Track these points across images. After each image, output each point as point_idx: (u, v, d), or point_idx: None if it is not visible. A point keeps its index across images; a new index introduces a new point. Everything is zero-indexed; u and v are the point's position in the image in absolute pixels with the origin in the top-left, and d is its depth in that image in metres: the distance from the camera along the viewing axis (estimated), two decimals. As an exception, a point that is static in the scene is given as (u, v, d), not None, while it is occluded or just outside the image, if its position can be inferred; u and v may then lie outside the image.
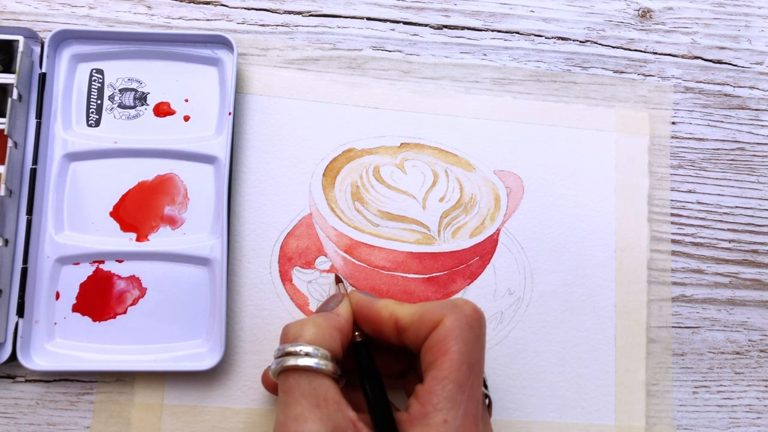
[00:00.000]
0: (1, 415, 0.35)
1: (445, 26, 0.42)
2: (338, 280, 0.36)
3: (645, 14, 0.43)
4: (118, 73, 0.38)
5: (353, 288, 0.37)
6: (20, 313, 0.34)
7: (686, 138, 0.42)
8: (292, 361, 0.28)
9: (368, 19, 0.41)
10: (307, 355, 0.28)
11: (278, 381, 0.29)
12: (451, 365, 0.27)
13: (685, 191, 0.41)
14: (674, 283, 0.40)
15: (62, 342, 0.35)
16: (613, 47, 0.42)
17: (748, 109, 0.43)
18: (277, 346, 0.30)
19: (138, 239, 0.36)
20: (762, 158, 0.42)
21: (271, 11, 0.41)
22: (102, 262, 0.36)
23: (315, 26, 0.41)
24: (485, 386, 0.32)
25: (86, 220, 0.36)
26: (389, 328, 0.30)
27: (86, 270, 0.36)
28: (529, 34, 0.42)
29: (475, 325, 0.29)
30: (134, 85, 0.38)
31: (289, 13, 0.41)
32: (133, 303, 0.36)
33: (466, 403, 0.27)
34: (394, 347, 0.32)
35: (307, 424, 0.26)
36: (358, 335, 0.32)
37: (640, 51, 0.43)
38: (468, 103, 0.40)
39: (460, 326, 0.28)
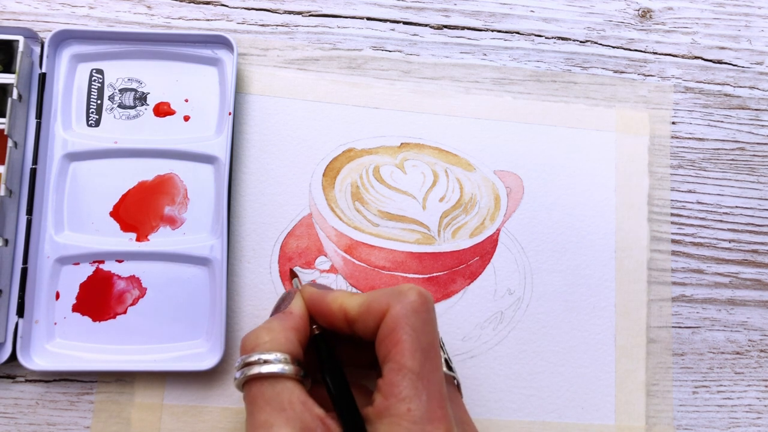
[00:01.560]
0: (1, 415, 0.35)
1: (445, 26, 0.42)
2: (293, 275, 0.36)
3: (645, 14, 0.43)
4: (118, 73, 0.38)
5: (313, 283, 0.37)
6: (20, 313, 0.34)
7: (686, 138, 0.42)
8: (253, 371, 0.28)
9: (368, 19, 0.41)
10: (265, 362, 0.28)
11: (243, 393, 0.29)
12: (404, 354, 0.27)
13: (685, 191, 0.41)
14: (674, 283, 0.40)
15: (62, 342, 0.35)
16: (613, 47, 0.42)
17: (748, 109, 0.43)
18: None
19: (138, 239, 0.36)
20: (762, 158, 0.42)
21: (271, 11, 0.41)
22: (102, 262, 0.36)
23: (315, 26, 0.41)
24: (450, 368, 0.32)
25: (86, 220, 0.36)
26: (340, 320, 0.30)
27: (86, 270, 0.36)
28: (529, 34, 0.42)
29: (422, 309, 0.29)
30: (134, 85, 0.38)
31: (289, 13, 0.41)
32: (133, 303, 0.36)
33: (427, 389, 0.27)
34: (356, 339, 0.32)
35: (273, 428, 0.26)
36: (315, 328, 0.31)
37: (640, 51, 0.43)
38: (468, 103, 0.40)
39: (406, 314, 0.28)
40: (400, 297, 0.29)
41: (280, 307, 0.32)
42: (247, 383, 0.28)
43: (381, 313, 0.29)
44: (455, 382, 0.32)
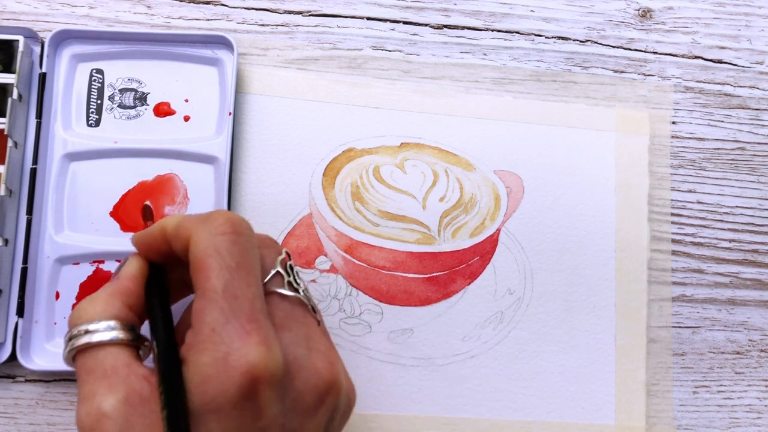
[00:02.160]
0: (1, 415, 0.35)
1: (445, 26, 0.42)
2: (146, 213, 0.33)
3: (645, 14, 0.43)
4: (118, 73, 0.38)
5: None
6: (20, 313, 0.34)
7: (686, 138, 0.42)
8: (76, 343, 0.26)
9: (368, 18, 0.41)
10: (87, 332, 0.26)
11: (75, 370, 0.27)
12: (208, 278, 0.25)
13: (685, 191, 0.41)
14: (674, 283, 0.40)
15: (62, 342, 0.35)
16: (613, 47, 0.42)
17: (749, 108, 0.43)
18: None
19: (138, 239, 0.36)
20: (762, 158, 0.42)
21: (271, 11, 0.41)
22: (102, 262, 0.36)
23: (315, 26, 0.41)
24: (296, 290, 0.28)
25: (86, 220, 0.36)
26: (162, 244, 0.28)
27: (86, 270, 0.36)
28: (529, 34, 0.42)
29: (228, 230, 0.26)
30: (134, 85, 0.38)
31: (289, 13, 0.41)
32: (133, 303, 0.36)
33: (232, 307, 0.25)
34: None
35: (96, 398, 0.24)
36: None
37: (641, 51, 0.43)
38: (468, 103, 0.40)
39: (209, 238, 0.26)
40: (205, 222, 0.27)
41: (113, 274, 0.30)
42: (74, 358, 0.26)
43: (186, 237, 0.27)
44: (308, 306, 0.29)
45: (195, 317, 0.25)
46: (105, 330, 0.26)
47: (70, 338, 0.26)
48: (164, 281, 0.29)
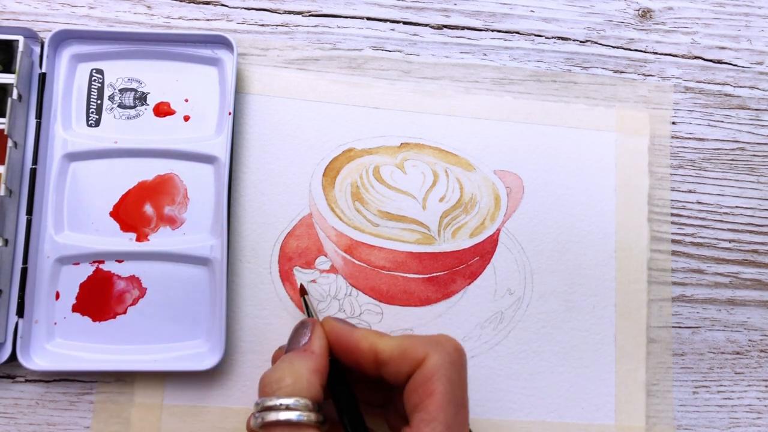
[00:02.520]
0: (1, 415, 0.35)
1: (445, 26, 0.42)
2: (303, 292, 0.35)
3: (645, 14, 0.43)
4: (118, 73, 0.38)
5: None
6: (20, 313, 0.34)
7: (686, 138, 0.42)
8: (272, 416, 0.27)
9: (368, 19, 0.41)
10: (287, 408, 0.27)
11: None
12: (437, 407, 0.27)
13: (685, 191, 0.41)
14: (674, 283, 0.40)
15: (62, 342, 0.35)
16: (613, 47, 0.42)
17: (749, 109, 0.43)
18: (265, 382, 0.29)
19: (138, 239, 0.36)
20: (762, 158, 0.42)
21: (271, 11, 0.41)
22: (102, 262, 0.36)
23: (315, 26, 0.41)
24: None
25: (86, 220, 0.36)
26: (368, 361, 0.30)
27: (86, 270, 0.36)
28: (529, 34, 0.42)
29: (458, 362, 0.29)
30: (134, 85, 0.38)
31: (289, 13, 0.41)
32: (133, 303, 0.36)
33: None
34: (370, 380, 0.32)
35: None
36: (331, 362, 0.31)
37: (640, 51, 0.43)
38: (468, 103, 0.40)
39: (443, 365, 0.28)
40: (438, 347, 0.29)
41: (296, 339, 0.31)
42: (265, 428, 0.27)
43: (416, 361, 0.28)
44: None
45: None
46: (303, 410, 0.27)
47: (267, 408, 0.27)
48: (348, 385, 0.31)
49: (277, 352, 0.33)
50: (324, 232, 0.38)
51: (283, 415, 0.27)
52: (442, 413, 0.27)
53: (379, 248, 0.38)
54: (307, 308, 0.34)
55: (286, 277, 0.37)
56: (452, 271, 0.38)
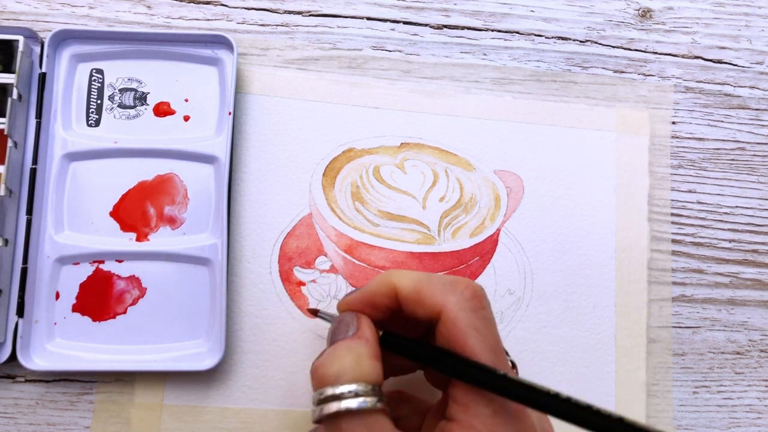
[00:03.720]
0: (1, 415, 0.35)
1: (445, 26, 0.42)
2: (314, 313, 0.34)
3: (645, 14, 0.43)
4: (118, 73, 0.38)
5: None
6: (20, 313, 0.34)
7: (686, 138, 0.42)
8: (343, 405, 0.25)
9: (368, 19, 0.41)
10: (356, 395, 0.25)
11: (325, 428, 0.26)
12: (475, 357, 0.26)
13: (685, 191, 0.41)
14: (674, 283, 0.40)
15: (62, 342, 0.35)
16: (613, 47, 0.42)
17: (749, 108, 0.43)
18: (313, 390, 0.27)
19: (138, 239, 0.36)
20: (762, 158, 0.42)
21: (271, 11, 0.41)
22: (102, 262, 0.36)
23: (315, 26, 0.41)
24: (506, 353, 0.30)
25: (86, 220, 0.36)
26: (393, 301, 0.28)
27: (86, 270, 0.36)
28: (529, 34, 0.42)
29: (479, 307, 0.27)
30: (134, 85, 0.38)
31: (289, 13, 0.41)
32: (133, 303, 0.36)
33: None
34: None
35: None
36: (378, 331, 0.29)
37: (641, 51, 0.43)
38: (468, 103, 0.40)
39: (465, 315, 0.27)
40: (453, 292, 0.27)
41: (341, 331, 0.29)
42: (331, 419, 0.26)
43: (434, 309, 0.27)
44: (515, 369, 0.31)
45: (463, 397, 0.26)
46: (373, 395, 0.25)
47: (330, 397, 0.25)
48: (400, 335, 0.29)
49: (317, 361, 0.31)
50: (324, 232, 0.38)
51: (352, 403, 0.25)
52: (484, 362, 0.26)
53: (379, 248, 0.38)
54: (326, 317, 0.33)
55: (286, 277, 0.37)
56: (452, 271, 0.38)
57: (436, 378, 0.31)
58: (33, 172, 0.36)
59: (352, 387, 0.25)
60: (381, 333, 0.29)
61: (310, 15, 0.41)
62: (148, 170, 0.37)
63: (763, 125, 0.43)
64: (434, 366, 0.27)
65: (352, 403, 0.25)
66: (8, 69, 0.36)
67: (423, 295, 0.27)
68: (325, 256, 0.38)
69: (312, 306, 0.37)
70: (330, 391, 0.26)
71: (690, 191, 0.41)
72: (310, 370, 0.27)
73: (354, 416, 0.25)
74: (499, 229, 0.39)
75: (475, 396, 0.26)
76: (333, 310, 0.37)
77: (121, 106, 0.38)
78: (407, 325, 0.31)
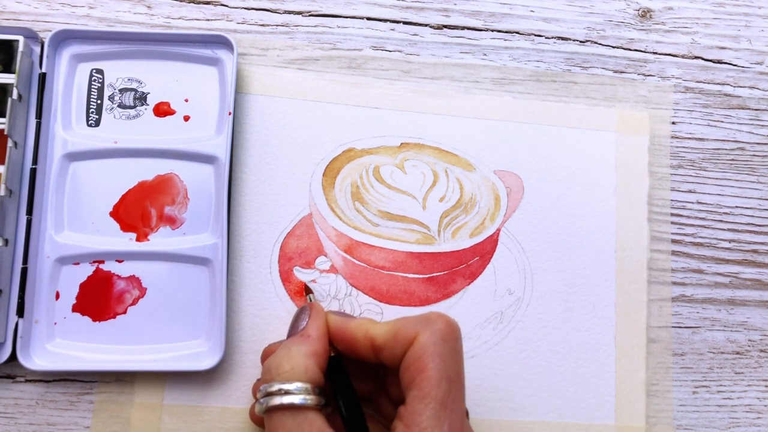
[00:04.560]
0: (1, 415, 0.35)
1: (445, 26, 0.42)
2: (307, 291, 0.36)
3: (645, 14, 0.43)
4: (118, 73, 0.38)
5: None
6: (20, 313, 0.34)
7: (686, 138, 0.42)
8: (275, 401, 0.28)
9: (368, 19, 0.41)
10: (287, 393, 0.28)
11: (265, 420, 0.29)
12: (430, 383, 0.27)
13: (685, 191, 0.41)
14: (674, 283, 0.40)
15: (62, 342, 0.35)
16: (613, 47, 0.42)
17: (748, 109, 0.43)
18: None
19: (138, 239, 0.36)
20: (762, 158, 0.42)
21: (271, 11, 0.41)
22: (102, 262, 0.36)
23: (315, 26, 0.41)
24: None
25: (86, 220, 0.36)
26: (366, 348, 0.30)
27: (86, 270, 0.36)
28: (529, 34, 0.42)
29: (450, 338, 0.29)
30: (134, 85, 0.38)
31: (289, 13, 0.41)
32: (133, 303, 0.36)
33: (449, 419, 0.27)
34: (365, 366, 0.32)
35: None
36: (331, 350, 0.31)
37: (640, 51, 0.43)
38: (468, 103, 0.40)
39: (434, 342, 0.28)
40: (428, 324, 0.29)
41: (295, 325, 0.32)
42: (269, 413, 0.28)
43: (408, 340, 0.29)
44: (467, 413, 0.32)
45: (409, 417, 0.27)
46: (303, 393, 0.28)
47: (268, 394, 0.28)
48: (346, 369, 0.31)
49: (266, 349, 0.34)
50: (324, 232, 0.38)
51: (285, 399, 0.28)
52: (435, 389, 0.27)
53: (379, 248, 0.38)
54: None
55: (286, 277, 0.37)
56: (452, 271, 0.38)
57: (386, 410, 0.33)
58: (33, 172, 0.36)
59: (287, 385, 0.28)
60: (332, 354, 0.31)
61: (310, 15, 0.41)
62: (148, 170, 0.37)
63: (763, 125, 0.43)
64: (335, 399, 0.30)
65: (285, 400, 0.28)
66: (8, 69, 0.36)
67: (399, 333, 0.29)
68: (325, 256, 0.38)
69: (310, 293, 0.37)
70: (269, 387, 0.28)
71: (690, 191, 0.41)
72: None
73: (285, 411, 0.28)
74: (499, 229, 0.39)
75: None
76: (333, 309, 0.37)
77: (121, 106, 0.38)
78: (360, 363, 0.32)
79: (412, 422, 0.27)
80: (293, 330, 0.32)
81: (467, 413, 0.32)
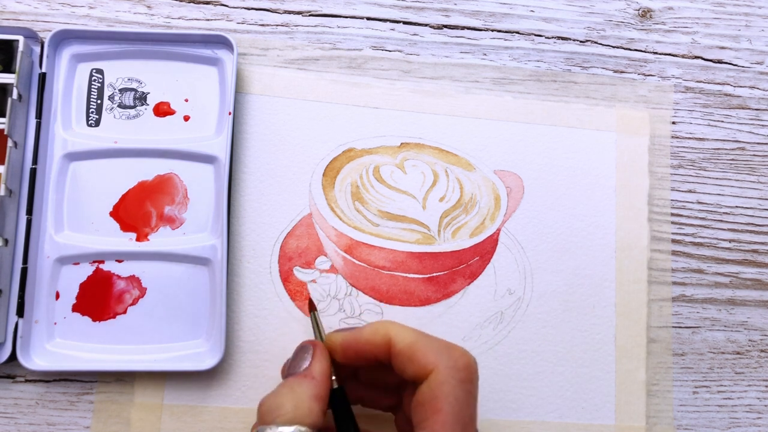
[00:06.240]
0: (1, 415, 0.35)
1: (445, 26, 0.42)
2: (312, 307, 0.35)
3: (645, 14, 0.43)
4: (118, 73, 0.38)
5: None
6: (20, 313, 0.34)
7: (686, 138, 0.42)
8: None
9: (368, 19, 0.41)
10: None
11: None
12: (443, 427, 0.27)
13: (685, 191, 0.41)
14: (674, 283, 0.40)
15: (62, 342, 0.35)
16: (613, 47, 0.42)
17: (749, 108, 0.43)
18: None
19: (138, 239, 0.36)
20: (762, 158, 0.42)
21: (271, 11, 0.41)
22: (102, 262, 0.36)
23: (315, 26, 0.41)
24: None
25: (86, 220, 0.36)
26: (383, 351, 0.29)
27: (86, 270, 0.36)
28: (529, 34, 0.42)
29: (467, 380, 0.28)
30: (134, 85, 0.38)
31: (289, 13, 0.41)
32: (133, 303, 0.36)
33: None
34: (380, 382, 0.31)
35: None
36: (334, 380, 0.31)
37: (640, 51, 0.43)
38: (468, 103, 0.40)
39: (452, 383, 0.27)
40: (448, 361, 0.28)
41: (296, 363, 0.30)
42: None
43: (424, 369, 0.28)
44: None
45: None
46: None
47: None
48: (347, 399, 0.30)
49: (284, 367, 0.33)
50: (324, 232, 0.38)
51: None
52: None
53: (379, 248, 0.38)
54: (315, 325, 0.34)
55: (286, 277, 0.37)
56: (452, 271, 0.38)
57: (403, 427, 0.32)
58: (33, 172, 0.36)
59: (288, 429, 0.27)
60: (335, 386, 0.30)
61: (310, 15, 0.41)
62: (148, 170, 0.37)
63: (763, 125, 0.43)
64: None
65: None
66: (8, 69, 0.36)
67: (417, 354, 0.28)
68: (325, 256, 0.38)
69: (314, 301, 0.37)
70: (268, 430, 0.27)
71: (690, 191, 0.41)
72: (258, 405, 0.29)
73: None
74: (499, 229, 0.39)
75: None
76: (333, 309, 0.37)
77: (121, 106, 0.38)
78: (379, 376, 0.32)
79: None
80: (294, 369, 0.30)
81: None
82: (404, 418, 0.32)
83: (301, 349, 0.31)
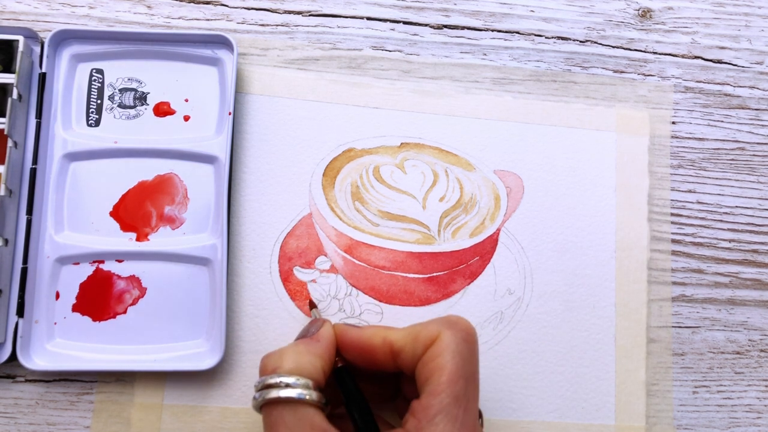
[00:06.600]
0: (1, 415, 0.35)
1: (445, 26, 0.42)
2: (312, 305, 0.36)
3: (645, 14, 0.43)
4: (118, 73, 0.38)
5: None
6: (20, 313, 0.34)
7: (686, 138, 0.42)
8: (273, 394, 0.27)
9: (368, 19, 0.41)
10: (288, 386, 0.27)
11: (262, 415, 0.28)
12: (448, 379, 0.27)
13: (685, 191, 0.41)
14: (674, 283, 0.40)
15: (62, 342, 0.35)
16: (613, 47, 0.42)
17: (749, 108, 0.43)
18: (257, 377, 0.29)
19: (138, 239, 0.36)
20: (762, 158, 0.42)
21: (271, 11, 0.41)
22: (102, 262, 0.36)
23: (315, 26, 0.41)
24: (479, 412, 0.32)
25: (86, 220, 0.36)
26: (384, 354, 0.30)
27: (86, 270, 0.36)
28: (529, 34, 0.42)
29: (470, 340, 0.29)
30: (134, 85, 0.38)
31: (289, 13, 0.41)
32: (133, 303, 0.36)
33: (462, 417, 0.27)
34: (376, 375, 0.32)
35: None
36: (338, 361, 0.31)
37: (640, 51, 0.43)
38: (468, 103, 0.40)
39: (456, 341, 0.28)
40: (451, 325, 0.29)
41: (307, 332, 0.31)
42: (267, 406, 0.27)
43: (430, 339, 0.29)
44: (480, 420, 0.32)
45: (422, 411, 0.27)
46: (305, 388, 0.27)
47: (267, 386, 0.27)
48: (354, 378, 0.31)
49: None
50: (324, 231, 0.38)
51: (284, 393, 0.27)
52: (451, 386, 0.27)
53: (379, 248, 0.38)
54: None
55: (286, 277, 0.37)
56: (452, 271, 0.38)
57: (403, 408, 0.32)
58: (33, 172, 0.36)
59: (286, 378, 0.27)
60: (339, 365, 0.31)
61: (310, 15, 0.41)
62: (148, 170, 0.37)
63: (763, 125, 0.43)
64: (348, 409, 0.30)
65: (284, 393, 0.27)
66: (8, 69, 0.36)
67: (419, 334, 0.29)
68: (325, 256, 0.38)
69: (315, 301, 0.37)
70: (267, 380, 0.27)
71: (690, 191, 0.41)
72: (260, 360, 0.29)
73: (285, 405, 0.27)
74: (499, 229, 0.39)
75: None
76: (333, 310, 0.37)
77: (121, 106, 0.38)
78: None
79: (423, 416, 0.27)
80: (302, 336, 0.31)
81: (481, 415, 0.32)
82: (403, 402, 0.32)
83: (312, 322, 0.32)
